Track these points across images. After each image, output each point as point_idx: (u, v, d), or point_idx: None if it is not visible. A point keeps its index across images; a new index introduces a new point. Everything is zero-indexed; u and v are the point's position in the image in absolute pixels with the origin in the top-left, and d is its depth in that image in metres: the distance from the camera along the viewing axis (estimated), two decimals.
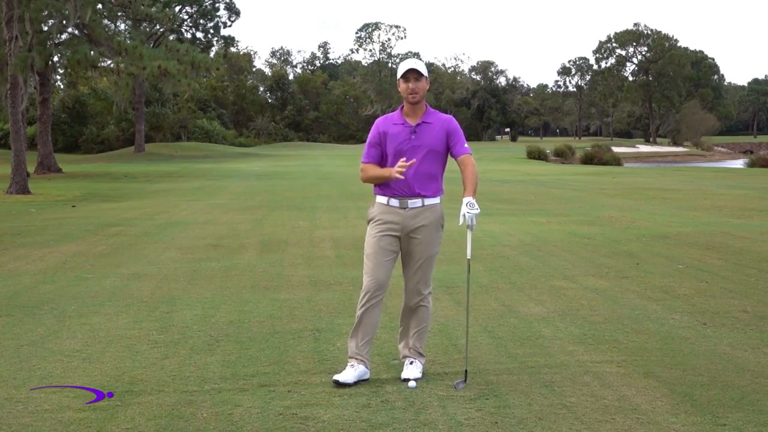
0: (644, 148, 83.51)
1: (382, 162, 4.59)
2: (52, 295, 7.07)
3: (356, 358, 4.51)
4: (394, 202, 4.54)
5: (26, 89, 23.31)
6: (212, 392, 4.33)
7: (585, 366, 4.82)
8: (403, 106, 4.62)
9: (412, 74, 4.49)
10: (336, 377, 4.42)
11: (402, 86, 4.53)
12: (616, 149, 63.38)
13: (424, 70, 4.51)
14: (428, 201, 4.55)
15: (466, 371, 4.51)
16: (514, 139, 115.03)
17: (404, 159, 4.43)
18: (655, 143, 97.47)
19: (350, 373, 4.44)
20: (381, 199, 4.58)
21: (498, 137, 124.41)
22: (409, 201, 4.52)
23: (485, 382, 4.48)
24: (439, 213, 4.60)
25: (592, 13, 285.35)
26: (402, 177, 4.41)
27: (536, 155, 56.14)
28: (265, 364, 4.82)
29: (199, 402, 4.17)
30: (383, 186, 4.56)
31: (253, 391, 4.34)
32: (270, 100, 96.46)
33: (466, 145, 4.64)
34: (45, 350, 5.21)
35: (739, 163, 53.32)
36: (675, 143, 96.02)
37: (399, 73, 4.55)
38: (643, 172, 39.17)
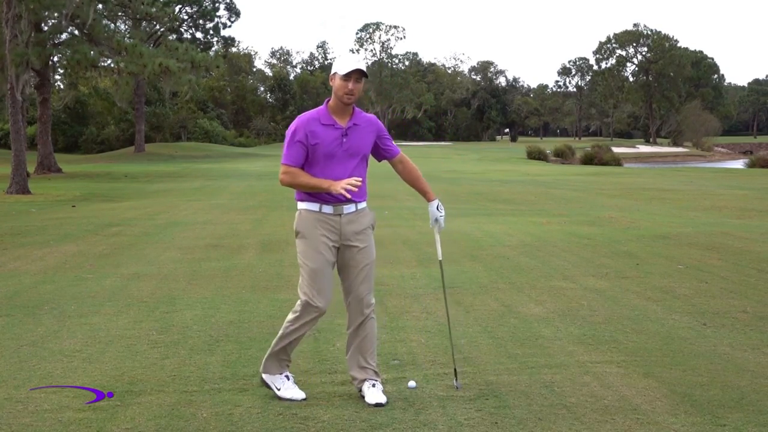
0: (644, 149, 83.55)
1: (306, 165, 4.16)
2: (52, 295, 7.07)
3: (288, 369, 4.34)
4: (328, 208, 4.17)
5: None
6: (212, 392, 4.33)
7: (585, 366, 4.82)
8: (328, 104, 4.23)
9: (356, 74, 4.10)
10: (294, 396, 4.20)
11: (339, 83, 4.11)
12: (616, 150, 63.40)
13: (366, 72, 4.16)
14: (360, 205, 4.25)
15: (455, 370, 4.50)
16: (514, 139, 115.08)
17: (356, 178, 4.09)
18: (655, 144, 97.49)
19: (290, 388, 4.25)
20: (311, 206, 4.18)
21: (498, 137, 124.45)
22: (344, 207, 4.18)
23: (485, 382, 4.48)
24: (371, 216, 4.33)
25: (592, 13, 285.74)
26: (349, 197, 4.07)
27: (536, 155, 56.18)
28: None
29: (199, 402, 4.17)
30: (312, 192, 4.17)
31: (253, 391, 4.34)
32: (270, 101, 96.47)
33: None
34: (45, 350, 5.21)
35: (739, 164, 53.33)
36: (675, 144, 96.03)
37: (342, 70, 4.10)
38: (643, 172, 39.18)
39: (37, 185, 24.80)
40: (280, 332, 4.29)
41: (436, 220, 4.38)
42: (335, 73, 4.16)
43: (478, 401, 4.16)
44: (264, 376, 4.32)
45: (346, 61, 4.16)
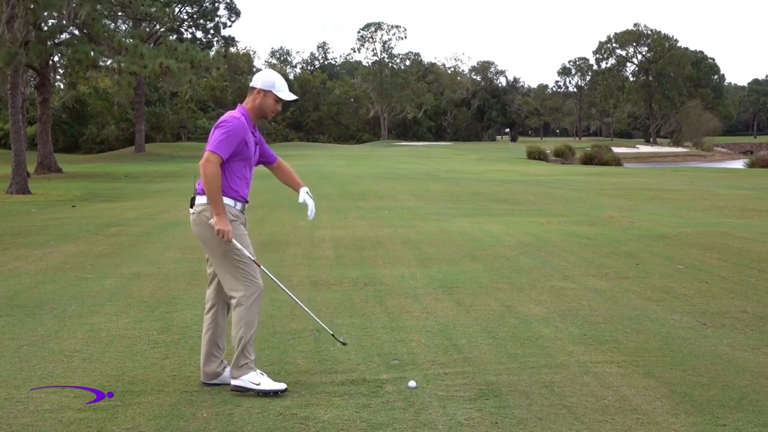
0: (644, 149, 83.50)
1: (225, 162, 4.35)
2: (52, 295, 7.07)
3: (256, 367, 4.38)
4: (239, 205, 4.47)
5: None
6: (212, 392, 4.33)
7: (585, 366, 4.82)
8: (247, 111, 4.47)
9: (288, 104, 4.55)
10: (275, 387, 4.27)
11: (272, 103, 4.47)
12: (616, 150, 63.37)
13: None
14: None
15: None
16: (514, 139, 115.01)
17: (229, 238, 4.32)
18: (655, 144, 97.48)
19: (268, 380, 4.33)
20: (229, 201, 4.40)
21: (498, 137, 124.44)
22: (245, 205, 4.55)
23: (485, 382, 4.48)
24: None
25: (592, 13, 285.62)
26: (227, 238, 4.31)
27: (536, 156, 56.14)
28: (265, 364, 4.82)
29: (199, 402, 4.17)
30: (230, 189, 4.39)
31: None
32: None
33: None
34: (45, 350, 5.21)
35: (739, 164, 53.34)
36: (675, 144, 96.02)
37: (284, 95, 4.47)
38: (643, 172, 39.17)
39: (37, 185, 24.80)
40: (240, 330, 4.30)
41: (304, 200, 4.67)
42: (270, 92, 4.47)
43: (478, 401, 4.16)
44: (235, 383, 4.32)
45: (285, 86, 4.52)
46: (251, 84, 4.52)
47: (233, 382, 4.33)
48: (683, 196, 20.18)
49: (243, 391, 4.29)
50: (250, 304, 4.34)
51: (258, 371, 4.35)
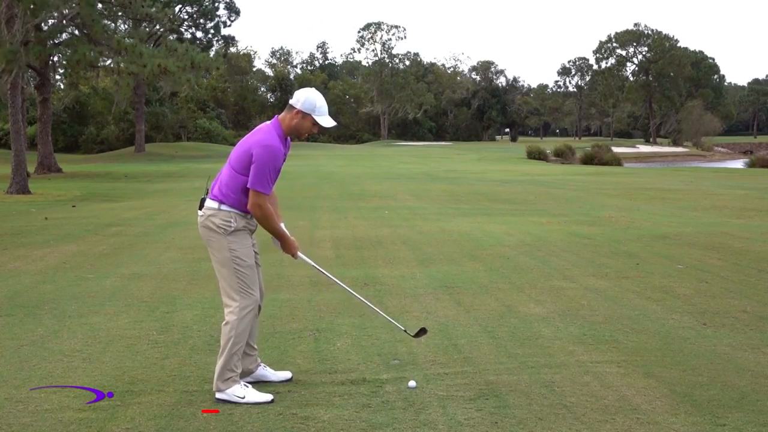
0: (644, 149, 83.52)
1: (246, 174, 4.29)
2: (52, 295, 7.07)
3: (240, 380, 4.32)
4: (248, 216, 4.39)
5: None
6: (212, 392, 4.33)
7: (585, 366, 4.82)
8: (281, 128, 4.35)
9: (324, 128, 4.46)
10: (261, 399, 4.20)
11: (308, 126, 4.34)
12: (616, 149, 63.35)
13: None
14: None
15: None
16: (514, 139, 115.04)
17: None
18: (655, 143, 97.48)
19: (254, 392, 4.27)
20: (239, 212, 4.34)
21: (498, 137, 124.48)
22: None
23: (485, 382, 4.48)
24: None
25: (592, 13, 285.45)
26: (297, 257, 4.60)
27: (536, 155, 56.15)
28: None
29: (200, 402, 4.17)
30: (241, 204, 4.31)
31: None
32: (272, 100, 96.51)
33: None
34: (45, 350, 5.21)
35: (739, 164, 53.36)
36: (675, 144, 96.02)
37: (323, 121, 4.35)
38: (644, 172, 39.17)
39: (37, 185, 24.79)
40: (230, 341, 4.26)
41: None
42: (309, 115, 4.35)
43: (478, 401, 4.16)
44: (219, 396, 4.24)
45: (325, 110, 4.42)
46: (291, 102, 4.36)
47: (217, 395, 4.25)
48: (683, 196, 20.18)
49: (225, 402, 4.21)
50: (244, 315, 4.29)
51: (242, 384, 4.29)
